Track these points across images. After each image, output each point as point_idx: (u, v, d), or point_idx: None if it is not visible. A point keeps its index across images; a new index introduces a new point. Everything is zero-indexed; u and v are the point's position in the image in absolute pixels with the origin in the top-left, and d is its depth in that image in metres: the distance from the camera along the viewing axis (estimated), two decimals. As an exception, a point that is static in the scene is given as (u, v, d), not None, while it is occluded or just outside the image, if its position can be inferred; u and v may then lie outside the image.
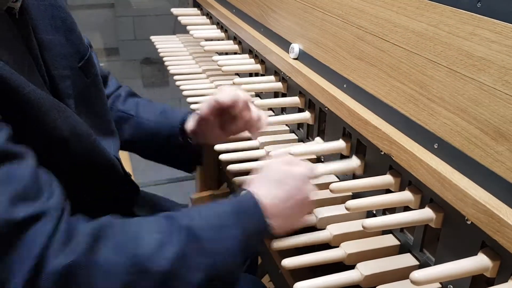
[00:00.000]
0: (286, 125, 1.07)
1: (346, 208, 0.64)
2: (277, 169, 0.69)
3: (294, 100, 0.98)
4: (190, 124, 0.87)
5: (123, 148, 0.95)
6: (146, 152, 0.97)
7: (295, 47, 0.97)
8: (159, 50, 1.48)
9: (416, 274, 0.52)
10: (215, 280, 0.58)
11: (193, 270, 0.55)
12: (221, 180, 1.83)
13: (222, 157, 0.91)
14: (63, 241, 0.52)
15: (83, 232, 0.54)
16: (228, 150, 0.93)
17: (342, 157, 0.83)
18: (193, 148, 0.90)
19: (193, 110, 0.92)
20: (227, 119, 0.84)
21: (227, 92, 0.79)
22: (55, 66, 0.72)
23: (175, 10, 1.57)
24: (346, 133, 0.83)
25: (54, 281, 0.50)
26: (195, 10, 1.63)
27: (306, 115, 0.94)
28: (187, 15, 1.57)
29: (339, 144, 0.83)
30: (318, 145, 0.89)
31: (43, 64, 0.70)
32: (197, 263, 0.56)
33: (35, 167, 0.56)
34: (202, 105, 0.82)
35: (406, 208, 0.68)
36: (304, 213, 0.70)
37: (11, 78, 0.56)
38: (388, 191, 0.72)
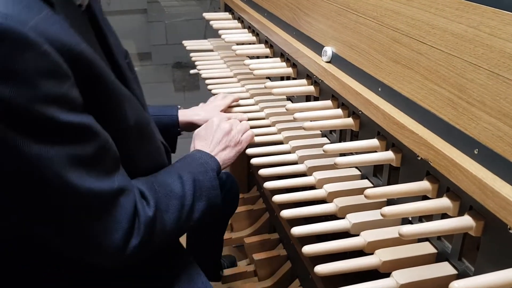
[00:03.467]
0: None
1: (382, 215, 0.62)
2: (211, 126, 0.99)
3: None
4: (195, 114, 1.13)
5: None
6: None
7: (328, 50, 0.96)
8: (191, 55, 1.49)
9: (457, 285, 0.50)
10: (210, 206, 0.84)
11: (201, 200, 0.82)
12: (251, 183, 1.83)
13: (254, 161, 0.93)
14: (142, 201, 0.71)
15: (146, 190, 0.74)
16: (259, 154, 0.94)
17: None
18: (176, 134, 1.13)
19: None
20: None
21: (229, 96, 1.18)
22: (118, 54, 0.78)
23: (207, 15, 1.58)
24: (381, 137, 0.81)
25: (147, 229, 0.70)
26: (226, 15, 1.64)
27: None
28: (219, 19, 1.59)
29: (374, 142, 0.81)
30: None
31: (110, 51, 0.76)
32: (202, 196, 0.83)
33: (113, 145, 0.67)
34: (223, 102, 1.14)
35: (444, 215, 0.66)
36: (235, 148, 0.97)
37: (100, 66, 0.63)
38: (425, 197, 0.70)
